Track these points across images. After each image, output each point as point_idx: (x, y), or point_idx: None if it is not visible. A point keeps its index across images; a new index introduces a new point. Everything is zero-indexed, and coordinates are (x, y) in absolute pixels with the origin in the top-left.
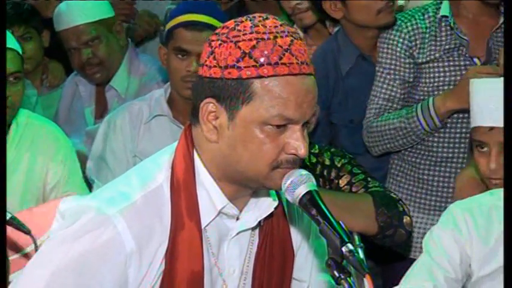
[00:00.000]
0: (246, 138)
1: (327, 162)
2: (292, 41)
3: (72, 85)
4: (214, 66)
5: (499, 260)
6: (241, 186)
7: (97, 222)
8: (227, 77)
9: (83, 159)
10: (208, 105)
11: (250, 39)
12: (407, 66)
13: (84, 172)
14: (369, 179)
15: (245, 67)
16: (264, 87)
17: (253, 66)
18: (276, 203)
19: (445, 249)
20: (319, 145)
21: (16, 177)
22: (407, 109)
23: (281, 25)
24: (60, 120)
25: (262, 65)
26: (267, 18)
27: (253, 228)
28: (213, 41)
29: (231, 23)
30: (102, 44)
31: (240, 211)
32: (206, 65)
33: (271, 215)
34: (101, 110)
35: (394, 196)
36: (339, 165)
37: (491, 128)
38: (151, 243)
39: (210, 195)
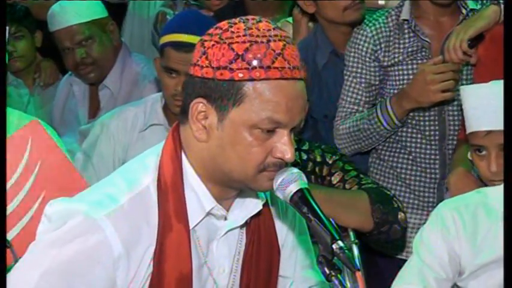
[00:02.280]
0: (235, 140)
1: (318, 159)
2: (284, 45)
3: (67, 85)
4: (207, 67)
5: (485, 256)
6: (227, 187)
7: (85, 227)
8: (219, 78)
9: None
10: (199, 105)
11: (244, 42)
12: (372, 69)
13: None
14: (361, 175)
15: (237, 69)
16: (255, 90)
17: (245, 68)
18: (263, 201)
19: (434, 251)
20: (309, 142)
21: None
22: (369, 110)
23: (274, 29)
24: (55, 120)
25: (254, 68)
26: (260, 21)
27: (241, 227)
28: (205, 41)
29: (224, 24)
30: (96, 44)
31: (227, 211)
32: (198, 65)
33: (258, 213)
34: (94, 110)
35: (388, 193)
36: (330, 162)
37: (489, 132)
38: (139, 246)
39: (199, 196)
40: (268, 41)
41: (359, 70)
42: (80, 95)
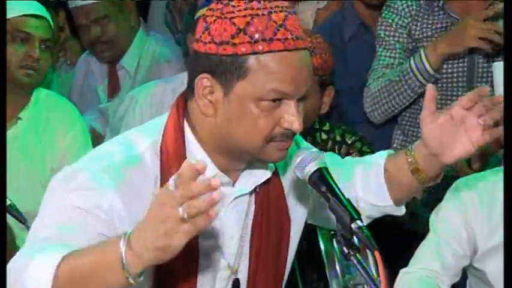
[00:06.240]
0: (241, 113)
1: (338, 138)
2: (286, 16)
3: (85, 63)
4: (210, 42)
5: (500, 236)
6: (235, 159)
7: (89, 181)
8: (222, 53)
9: (97, 137)
10: (203, 80)
11: (245, 16)
12: (405, 36)
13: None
14: None
15: (240, 43)
16: (259, 63)
17: (248, 42)
18: (273, 169)
19: (451, 227)
20: (329, 122)
21: (29, 149)
22: (402, 65)
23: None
24: (74, 98)
25: (257, 41)
26: None
27: (250, 194)
28: (207, 16)
29: None
30: (112, 23)
31: (235, 181)
32: (201, 41)
33: (267, 183)
34: (113, 88)
35: None
36: (349, 142)
37: None
38: (140, 204)
39: None
40: (270, 12)
41: (391, 37)
42: (99, 73)
